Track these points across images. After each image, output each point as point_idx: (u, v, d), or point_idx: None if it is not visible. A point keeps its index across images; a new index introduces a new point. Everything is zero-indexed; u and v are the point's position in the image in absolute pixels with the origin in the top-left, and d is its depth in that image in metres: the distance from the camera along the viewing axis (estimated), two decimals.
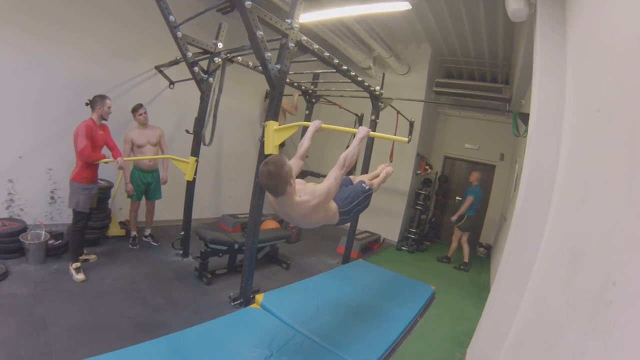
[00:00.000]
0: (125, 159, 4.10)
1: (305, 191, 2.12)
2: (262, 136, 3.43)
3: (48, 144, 4.40)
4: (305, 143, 2.54)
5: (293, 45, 3.40)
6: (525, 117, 4.17)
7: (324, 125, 2.68)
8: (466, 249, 6.73)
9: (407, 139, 2.80)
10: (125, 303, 3.32)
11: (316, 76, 6.20)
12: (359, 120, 7.14)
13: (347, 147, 7.22)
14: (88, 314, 3.03)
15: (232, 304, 3.62)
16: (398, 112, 5.78)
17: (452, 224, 6.83)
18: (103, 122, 3.84)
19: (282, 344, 2.84)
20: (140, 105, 4.65)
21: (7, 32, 3.92)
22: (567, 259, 1.78)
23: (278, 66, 3.37)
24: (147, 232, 5.03)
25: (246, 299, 3.63)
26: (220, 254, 4.27)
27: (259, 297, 3.52)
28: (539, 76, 2.64)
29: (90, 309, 3.10)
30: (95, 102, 3.73)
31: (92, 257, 4.08)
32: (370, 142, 5.45)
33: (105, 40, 4.72)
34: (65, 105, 4.43)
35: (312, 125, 2.64)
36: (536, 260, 2.37)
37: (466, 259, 6.66)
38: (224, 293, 3.84)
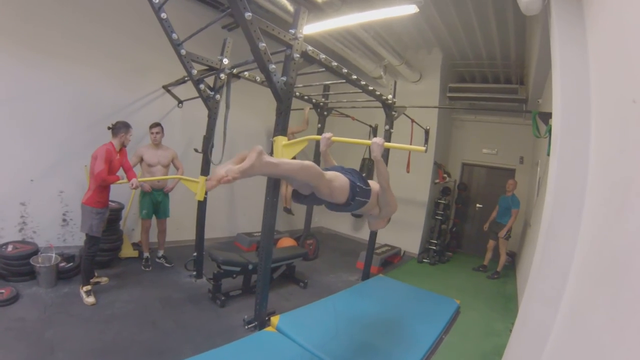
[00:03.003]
0: (140, 179, 4.10)
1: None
2: (272, 152, 3.33)
3: (58, 166, 4.43)
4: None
5: (298, 56, 3.31)
6: (545, 117, 3.96)
7: (334, 138, 2.54)
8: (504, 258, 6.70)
9: (424, 148, 2.64)
10: (135, 327, 3.22)
11: (326, 88, 6.09)
12: (374, 132, 6.98)
13: (364, 158, 6.99)
14: (96, 338, 2.94)
15: (246, 327, 3.47)
16: (412, 121, 5.62)
17: (501, 237, 6.54)
18: None
19: None
20: (156, 124, 4.65)
21: (14, 56, 3.98)
22: (608, 270, 1.58)
23: (284, 78, 3.27)
24: (160, 253, 4.97)
25: (261, 322, 3.47)
26: (234, 275, 4.14)
27: (275, 320, 3.38)
28: (559, 70, 2.44)
29: (99, 334, 3.01)
30: (120, 129, 3.74)
31: (104, 279, 4.03)
32: (386, 152, 5.27)
33: (112, 62, 4.77)
34: (74, 127, 4.49)
35: (322, 142, 2.51)
36: (570, 273, 2.15)
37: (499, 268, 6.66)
38: (238, 315, 3.69)
